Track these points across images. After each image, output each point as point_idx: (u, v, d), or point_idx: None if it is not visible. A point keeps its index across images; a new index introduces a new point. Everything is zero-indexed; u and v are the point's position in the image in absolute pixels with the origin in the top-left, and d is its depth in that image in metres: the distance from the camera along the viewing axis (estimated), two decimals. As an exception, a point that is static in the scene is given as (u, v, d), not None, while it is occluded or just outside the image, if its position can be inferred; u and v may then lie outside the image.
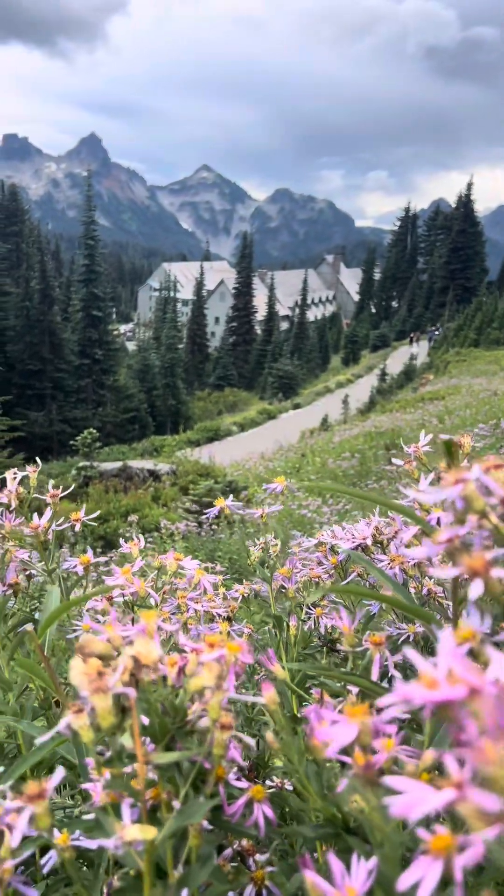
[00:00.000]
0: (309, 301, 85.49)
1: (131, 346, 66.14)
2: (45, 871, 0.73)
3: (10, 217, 58.73)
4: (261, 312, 73.69)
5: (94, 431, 21.31)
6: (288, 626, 1.27)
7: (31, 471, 1.32)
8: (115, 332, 51.48)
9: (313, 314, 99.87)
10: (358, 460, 15.75)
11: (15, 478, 1.28)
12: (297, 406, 50.50)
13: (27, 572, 1.38)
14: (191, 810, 0.60)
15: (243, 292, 73.27)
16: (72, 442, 24.09)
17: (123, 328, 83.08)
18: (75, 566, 1.37)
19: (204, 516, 10.79)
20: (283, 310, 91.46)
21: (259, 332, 73.38)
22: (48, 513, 1.28)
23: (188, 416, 51.80)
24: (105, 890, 0.73)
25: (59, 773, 0.64)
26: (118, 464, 21.80)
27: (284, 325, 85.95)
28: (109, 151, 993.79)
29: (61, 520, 1.36)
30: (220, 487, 11.21)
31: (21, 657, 0.97)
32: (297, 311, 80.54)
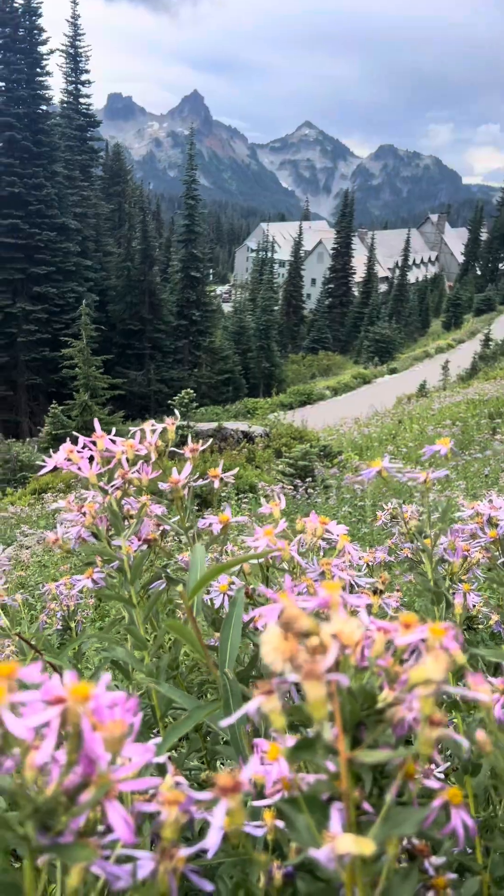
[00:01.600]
0: (410, 262, 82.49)
1: (227, 307, 66.26)
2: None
3: (114, 177, 59.49)
4: (359, 274, 71.92)
5: (192, 392, 21.60)
6: (448, 603, 1.16)
7: (170, 423, 1.26)
8: (212, 294, 51.66)
9: (414, 276, 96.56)
10: (460, 429, 15.18)
11: (154, 430, 1.23)
12: (393, 371, 49.32)
13: (161, 528, 1.34)
14: (400, 818, 0.52)
15: (342, 253, 71.61)
16: (169, 401, 24.55)
17: (220, 289, 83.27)
18: (210, 524, 1.32)
19: (299, 480, 10.75)
20: (382, 271, 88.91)
21: (356, 294, 71.75)
22: (188, 467, 1.22)
23: (281, 378, 51.66)
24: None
25: (254, 762, 0.57)
26: (213, 424, 22.08)
27: (383, 287, 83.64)
28: (211, 109, 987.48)
29: (196, 475, 1.30)
30: (315, 452, 11.07)
31: (172, 621, 0.92)
32: (398, 272, 78.07)
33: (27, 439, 33.69)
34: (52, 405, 27.33)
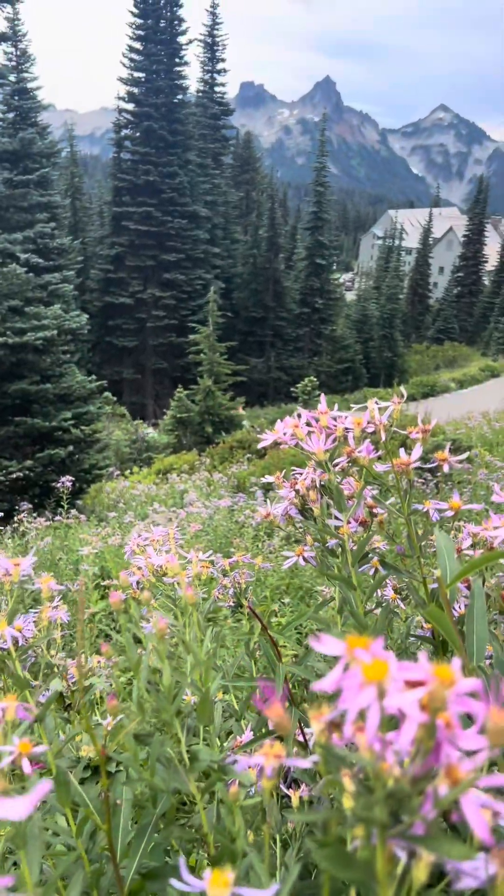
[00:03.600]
0: (548, 251, 77.61)
1: (350, 295, 65.40)
2: None
3: (244, 165, 60.10)
4: (491, 262, 68.71)
5: (314, 380, 21.50)
6: None
7: (396, 402, 1.21)
8: (336, 281, 51.14)
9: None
10: None
11: (383, 408, 1.19)
12: (524, 365, 46.83)
13: (374, 509, 1.30)
14: None
15: (473, 240, 68.65)
16: (291, 389, 24.59)
17: (343, 277, 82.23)
18: (427, 510, 1.26)
19: (429, 474, 10.42)
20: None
21: (487, 283, 68.61)
22: (418, 449, 1.17)
23: (403, 369, 50.46)
24: None
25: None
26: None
27: (517, 277, 79.37)
28: (343, 95, 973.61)
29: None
30: (446, 445, 10.67)
31: (433, 607, 0.88)
32: (533, 261, 73.77)
33: (152, 421, 34.98)
34: (178, 389, 28.14)
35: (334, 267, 55.00)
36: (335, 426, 1.21)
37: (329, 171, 50.07)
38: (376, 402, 1.22)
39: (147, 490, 13.22)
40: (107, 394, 29.15)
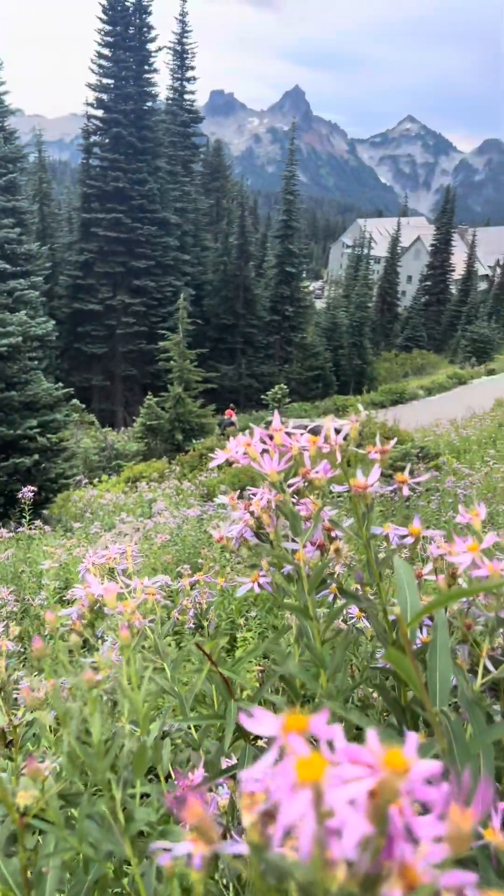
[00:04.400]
0: (513, 260, 79.17)
1: (319, 303, 65.80)
2: None
3: (214, 173, 60.19)
4: (458, 271, 69.72)
5: (284, 387, 21.51)
6: None
7: (354, 420, 1.15)
8: (306, 289, 51.43)
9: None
10: None
11: (337, 430, 1.12)
12: (491, 372, 47.53)
13: (333, 534, 1.23)
14: None
15: (441, 249, 69.61)
16: (262, 396, 24.58)
17: (313, 285, 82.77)
18: (396, 529, 1.19)
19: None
20: (482, 269, 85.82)
21: (454, 292, 69.63)
22: (376, 471, 1.10)
23: (372, 376, 50.85)
24: None
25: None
26: (304, 421, 21.91)
27: (483, 286, 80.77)
28: (311, 104, 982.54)
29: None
30: (414, 452, 10.74)
31: (392, 650, 0.80)
32: (499, 270, 75.17)
33: (122, 428, 34.67)
34: (148, 396, 27.93)
35: (304, 275, 55.31)
36: (291, 444, 1.14)
37: (298, 180, 50.42)
38: (333, 420, 1.15)
39: (115, 499, 13.04)
40: (74, 401, 28.81)
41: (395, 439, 1.23)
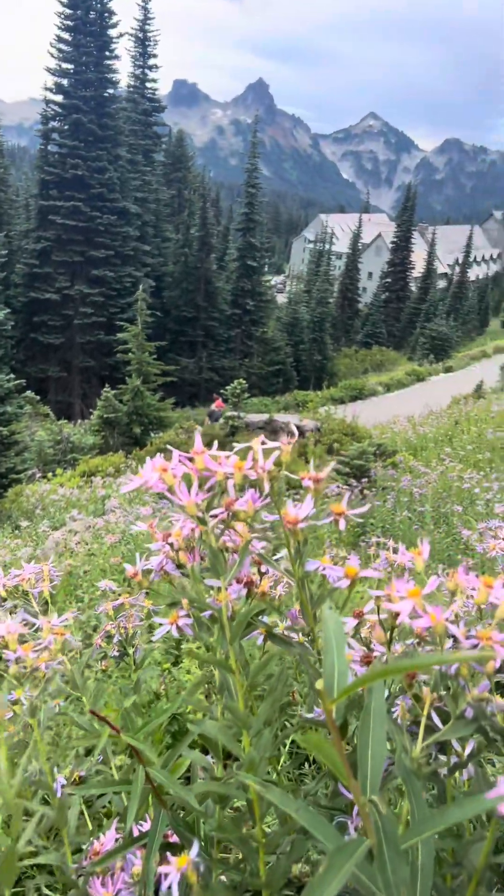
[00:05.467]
0: (471, 259, 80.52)
1: (281, 298, 65.75)
2: None
3: (176, 163, 59.49)
4: (418, 269, 70.48)
5: (244, 382, 21.37)
6: None
7: (285, 443, 1.00)
8: (267, 284, 51.30)
9: (475, 273, 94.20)
10: (521, 434, 14.57)
11: (268, 452, 0.97)
12: (448, 370, 48.23)
13: (262, 568, 1.09)
14: None
15: (401, 247, 70.25)
16: (222, 390, 24.37)
17: (275, 280, 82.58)
18: (323, 568, 1.05)
19: (354, 480, 10.41)
20: (442, 267, 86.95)
21: (414, 289, 70.35)
22: (308, 503, 0.96)
23: (333, 372, 51.03)
24: None
25: None
26: (264, 416, 21.82)
27: (442, 284, 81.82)
28: (275, 98, 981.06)
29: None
30: (371, 450, 10.69)
31: (311, 734, 0.66)
32: (458, 269, 76.26)
33: (79, 421, 34.07)
34: (105, 389, 27.45)
35: (266, 269, 55.13)
36: (214, 470, 0.99)
37: (262, 174, 50.17)
38: (262, 443, 1.00)
39: (68, 495, 12.72)
40: (28, 392, 28.20)
41: (333, 464, 1.09)
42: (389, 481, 9.55)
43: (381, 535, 7.40)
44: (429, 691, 0.95)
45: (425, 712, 0.94)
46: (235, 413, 20.43)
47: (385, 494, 9.01)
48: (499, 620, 0.99)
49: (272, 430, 19.65)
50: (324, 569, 1.04)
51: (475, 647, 0.96)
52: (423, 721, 0.95)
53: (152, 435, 27.05)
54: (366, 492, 9.06)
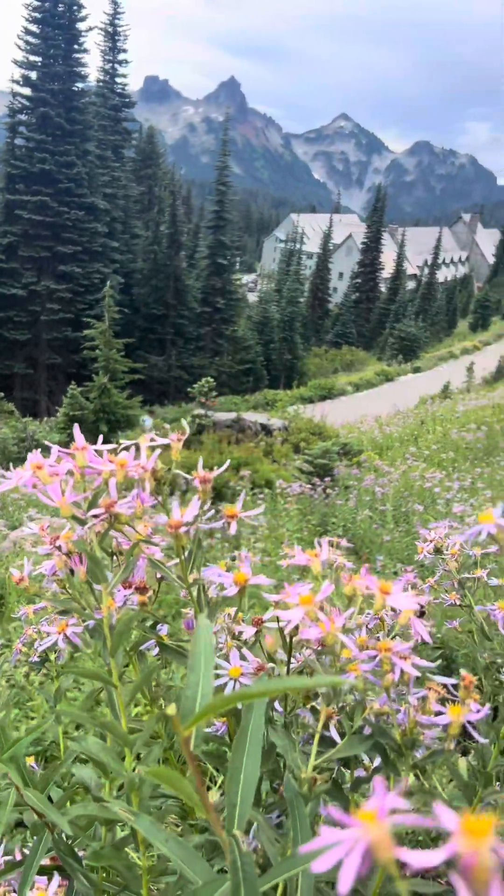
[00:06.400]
0: (440, 261, 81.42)
1: (252, 297, 65.74)
2: None
3: (146, 160, 58.99)
4: (387, 270, 70.99)
5: (212, 380, 21.27)
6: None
7: (175, 439, 0.93)
8: (238, 282, 51.19)
9: (443, 275, 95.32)
10: (485, 433, 14.72)
11: (153, 446, 0.90)
12: (417, 370, 48.69)
13: (158, 576, 1.01)
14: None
15: (371, 248, 70.69)
16: (189, 389, 24.25)
17: (246, 278, 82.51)
18: (219, 575, 0.98)
19: (318, 479, 10.39)
20: (411, 268, 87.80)
21: (384, 290, 70.87)
22: (193, 506, 0.89)
23: (303, 371, 51.13)
24: None
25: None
26: (232, 415, 21.74)
27: (411, 285, 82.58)
28: (247, 96, 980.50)
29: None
30: (336, 449, 10.70)
31: (159, 768, 0.59)
32: (427, 270, 77.00)
33: (45, 418, 33.61)
34: (72, 386, 27.12)
35: (237, 267, 55.01)
36: (98, 468, 0.92)
37: (233, 172, 50.07)
38: (152, 439, 0.93)
39: (29, 493, 12.49)
40: (-7, 390, 27.74)
41: (225, 466, 1.02)
42: (352, 480, 9.55)
43: (341, 534, 7.39)
44: (324, 706, 0.89)
45: (319, 727, 0.88)
46: (203, 411, 20.33)
47: (348, 493, 9.00)
48: (400, 629, 0.93)
49: (240, 428, 19.58)
50: (219, 575, 0.97)
51: (373, 658, 0.90)
52: (317, 737, 0.89)
53: (119, 433, 26.80)
54: (328, 490, 9.05)
